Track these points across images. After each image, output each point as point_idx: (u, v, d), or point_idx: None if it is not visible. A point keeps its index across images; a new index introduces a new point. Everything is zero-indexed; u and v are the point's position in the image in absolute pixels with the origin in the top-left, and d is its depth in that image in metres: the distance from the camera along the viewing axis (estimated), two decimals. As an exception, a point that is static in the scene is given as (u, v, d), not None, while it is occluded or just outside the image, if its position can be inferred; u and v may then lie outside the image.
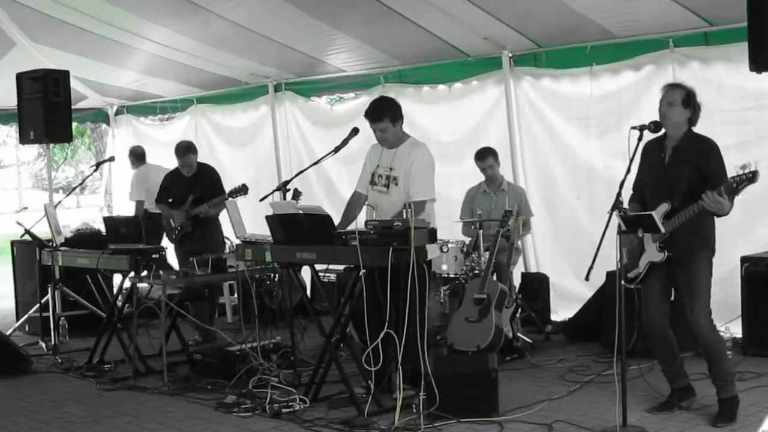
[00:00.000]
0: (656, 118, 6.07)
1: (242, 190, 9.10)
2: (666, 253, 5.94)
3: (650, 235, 5.96)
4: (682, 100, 6.02)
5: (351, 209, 7.37)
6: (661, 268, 6.04)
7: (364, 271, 6.45)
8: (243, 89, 12.23)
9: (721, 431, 5.88)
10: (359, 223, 6.69)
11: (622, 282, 5.78)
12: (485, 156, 8.89)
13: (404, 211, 6.41)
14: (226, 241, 8.22)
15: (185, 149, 9.78)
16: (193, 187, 9.64)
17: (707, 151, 5.98)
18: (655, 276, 6.09)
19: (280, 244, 6.99)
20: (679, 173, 5.98)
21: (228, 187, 9.38)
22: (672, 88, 6.15)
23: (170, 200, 9.81)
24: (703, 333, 5.95)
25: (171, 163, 10.50)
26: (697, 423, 6.00)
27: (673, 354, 6.24)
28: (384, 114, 7.15)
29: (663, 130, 6.09)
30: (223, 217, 9.38)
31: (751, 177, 5.49)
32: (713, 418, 6.01)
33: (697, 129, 6.18)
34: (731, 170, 5.68)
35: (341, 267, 8.81)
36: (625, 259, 5.92)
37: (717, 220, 5.96)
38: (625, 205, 5.93)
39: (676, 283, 6.13)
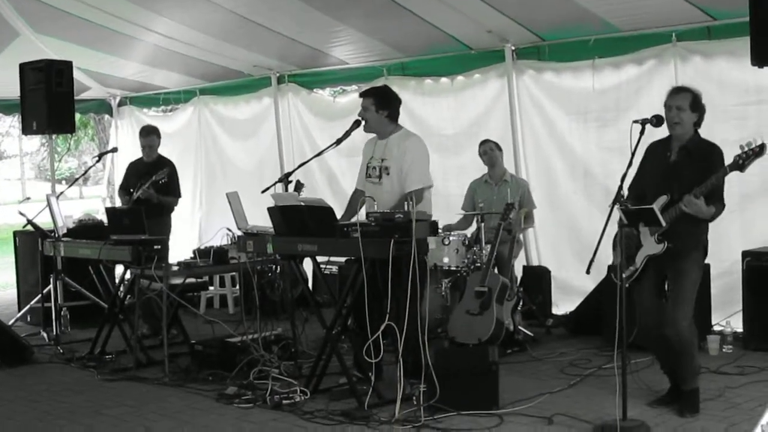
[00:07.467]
0: (656, 112, 6.02)
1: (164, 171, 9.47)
2: (666, 244, 5.89)
3: (648, 229, 5.95)
4: (690, 104, 5.97)
5: (352, 205, 7.36)
6: (656, 263, 6.00)
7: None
8: (246, 81, 12.21)
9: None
10: (361, 216, 6.68)
11: (616, 280, 5.76)
12: (487, 141, 8.95)
13: (405, 203, 6.42)
14: (227, 232, 8.20)
15: (149, 131, 10.07)
16: (147, 175, 9.60)
17: (716, 160, 5.89)
18: (649, 274, 6.06)
19: (281, 235, 6.99)
20: (684, 170, 5.94)
21: (227, 180, 9.41)
22: (679, 92, 6.05)
23: (131, 190, 9.73)
24: (681, 332, 5.95)
25: (173, 154, 10.52)
26: (697, 417, 6.00)
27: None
28: (372, 95, 7.26)
29: (668, 132, 6.06)
30: (219, 210, 9.37)
31: (759, 151, 5.47)
32: (678, 409, 6.05)
33: (698, 124, 6.16)
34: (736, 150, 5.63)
35: (343, 259, 8.82)
36: (618, 257, 5.91)
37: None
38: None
39: (667, 277, 6.12)
